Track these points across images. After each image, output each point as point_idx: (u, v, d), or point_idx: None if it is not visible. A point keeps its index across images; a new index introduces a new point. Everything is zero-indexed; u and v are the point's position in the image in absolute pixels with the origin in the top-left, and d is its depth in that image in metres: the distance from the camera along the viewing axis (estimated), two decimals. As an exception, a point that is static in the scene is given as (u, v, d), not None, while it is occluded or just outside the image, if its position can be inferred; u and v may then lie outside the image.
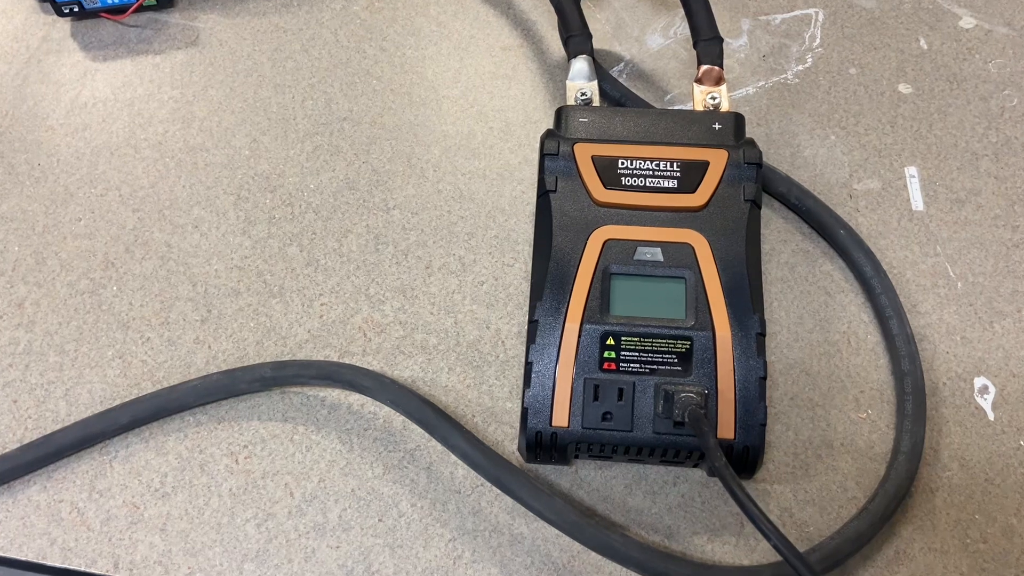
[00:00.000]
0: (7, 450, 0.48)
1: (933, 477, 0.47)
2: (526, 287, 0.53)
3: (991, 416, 0.48)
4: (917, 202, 0.55)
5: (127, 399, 0.49)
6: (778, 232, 0.54)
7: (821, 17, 0.63)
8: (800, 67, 0.61)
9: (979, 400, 0.49)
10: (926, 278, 0.52)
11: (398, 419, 0.49)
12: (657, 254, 0.46)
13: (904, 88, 0.60)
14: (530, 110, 0.60)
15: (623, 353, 0.44)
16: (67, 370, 0.51)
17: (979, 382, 0.49)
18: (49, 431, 0.48)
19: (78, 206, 0.57)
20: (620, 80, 0.60)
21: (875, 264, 0.51)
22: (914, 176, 0.56)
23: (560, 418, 0.44)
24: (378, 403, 0.49)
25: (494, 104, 0.60)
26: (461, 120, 0.60)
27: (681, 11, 0.63)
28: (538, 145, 0.58)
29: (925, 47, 0.62)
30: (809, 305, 0.52)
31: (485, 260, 0.54)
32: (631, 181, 0.48)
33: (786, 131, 0.58)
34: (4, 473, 0.46)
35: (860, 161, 0.57)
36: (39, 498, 0.47)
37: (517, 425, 0.49)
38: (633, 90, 0.59)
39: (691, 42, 0.54)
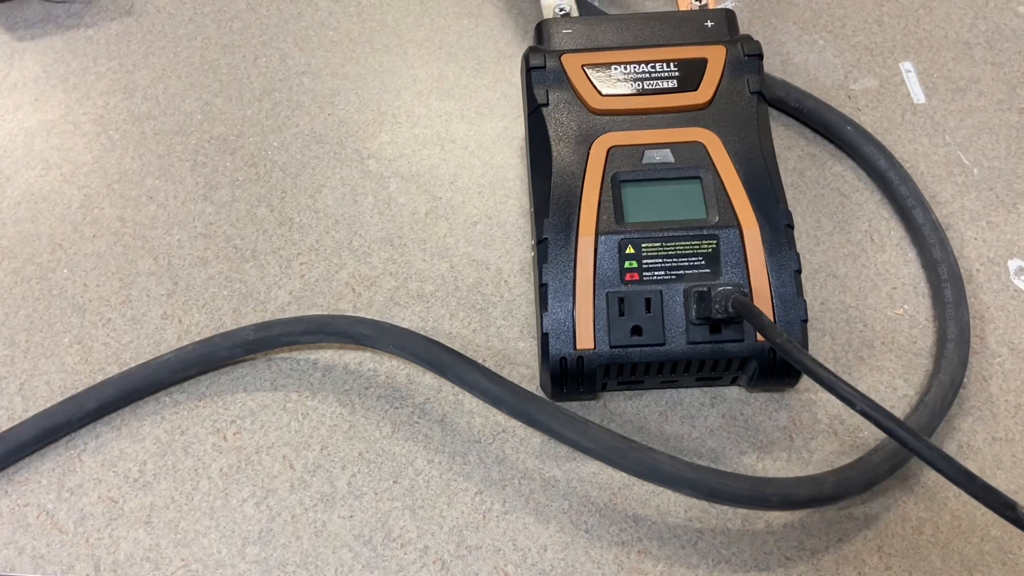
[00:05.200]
0: (-43, 456, 0.42)
1: (984, 365, 0.43)
2: (523, 223, 0.49)
3: (1031, 297, 0.45)
4: (918, 95, 0.53)
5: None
6: (781, 139, 0.51)
7: (789, -72, 0.61)
8: (776, -23, 0.59)
9: (1017, 282, 0.46)
10: (940, 168, 0.50)
11: (402, 373, 0.44)
12: (667, 155, 0.42)
13: (885, -12, 0.58)
14: (501, 45, 0.56)
15: (645, 261, 0.40)
16: (19, 363, 0.45)
17: (1013, 264, 0.46)
18: (3, 429, 0.42)
19: (15, 190, 0.51)
20: (595, 5, 0.57)
21: (888, 157, 0.48)
22: (910, 70, 0.54)
23: (585, 340, 0.39)
24: (377, 359, 0.44)
25: (463, 43, 0.56)
26: (430, 63, 0.56)
27: (647, -68, 0.61)
28: (519, 77, 0.54)
29: (899, -53, 0.60)
30: (825, 208, 0.49)
31: (475, 200, 0.50)
32: (628, 86, 0.44)
33: (772, 40, 0.56)
34: (-45, 480, 0.40)
35: (853, 62, 0.54)
36: (1, 504, 0.41)
37: (534, 365, 0.44)
38: (608, 13, 0.56)
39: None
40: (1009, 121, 0.51)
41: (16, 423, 0.42)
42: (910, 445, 0.29)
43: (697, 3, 0.49)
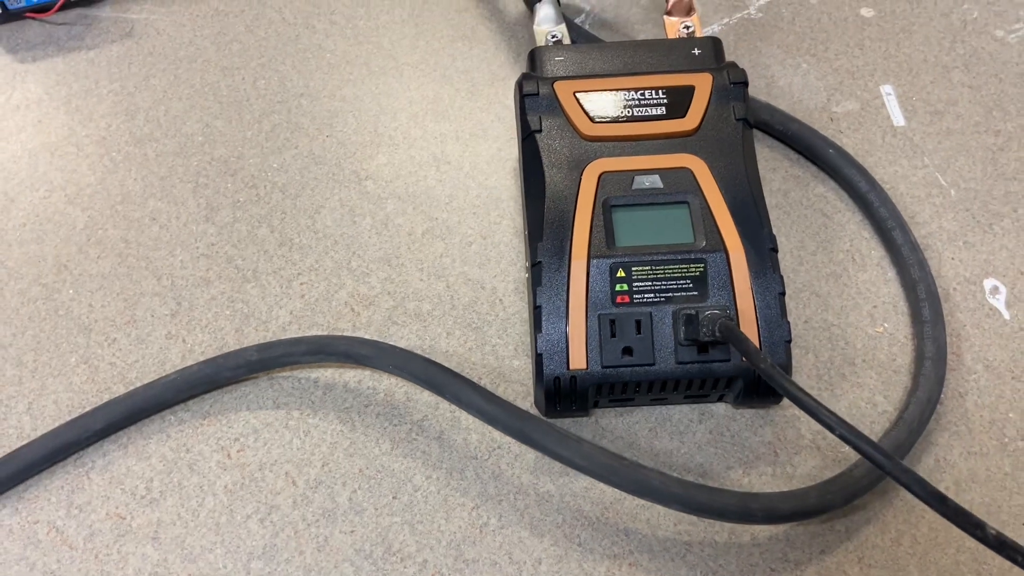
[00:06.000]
0: (-33, 475, 0.43)
1: (960, 382, 0.45)
2: (517, 243, 0.51)
3: (1006, 315, 0.47)
4: (897, 118, 0.54)
5: (97, 405, 0.44)
6: (766, 160, 0.53)
7: (774, -47, 0.63)
8: (761, 1, 0.60)
9: (992, 301, 0.48)
10: (919, 189, 0.52)
11: (400, 391, 0.45)
12: (656, 181, 0.44)
13: (866, 12, 0.60)
14: (495, 68, 0.58)
15: (635, 284, 0.41)
16: (27, 382, 0.46)
17: (989, 284, 0.48)
18: (14, 448, 0.43)
19: (20, 211, 0.52)
20: (584, 29, 0.58)
21: (869, 179, 0.50)
22: (890, 93, 0.55)
23: (578, 360, 0.41)
24: (376, 378, 0.46)
25: (457, 66, 0.58)
26: (426, 85, 0.57)
27: (636, -43, 0.62)
28: (512, 99, 0.56)
29: (880, -28, 0.62)
30: (808, 228, 0.50)
31: (470, 221, 0.51)
32: (618, 112, 0.46)
33: (758, 64, 0.57)
34: (-33, 499, 0.41)
35: (835, 85, 0.56)
36: (11, 522, 0.42)
37: (528, 383, 0.46)
38: (598, 38, 0.58)
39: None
40: (985, 143, 0.53)
41: (25, 442, 0.44)
42: (886, 469, 0.31)
43: (685, 31, 0.50)
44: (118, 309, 0.48)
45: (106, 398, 0.45)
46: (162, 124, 0.56)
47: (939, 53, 0.57)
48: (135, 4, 0.61)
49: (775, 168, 0.53)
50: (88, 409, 0.44)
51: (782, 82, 0.56)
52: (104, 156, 0.54)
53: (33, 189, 0.53)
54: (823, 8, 0.60)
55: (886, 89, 0.56)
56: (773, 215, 0.51)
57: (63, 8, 0.60)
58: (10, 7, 0.59)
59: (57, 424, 0.44)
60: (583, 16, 0.60)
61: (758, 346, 0.41)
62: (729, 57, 0.57)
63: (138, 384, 0.46)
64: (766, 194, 0.51)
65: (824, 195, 0.52)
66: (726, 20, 0.59)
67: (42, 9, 0.60)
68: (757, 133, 0.54)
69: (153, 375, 0.46)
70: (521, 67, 0.58)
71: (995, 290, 0.48)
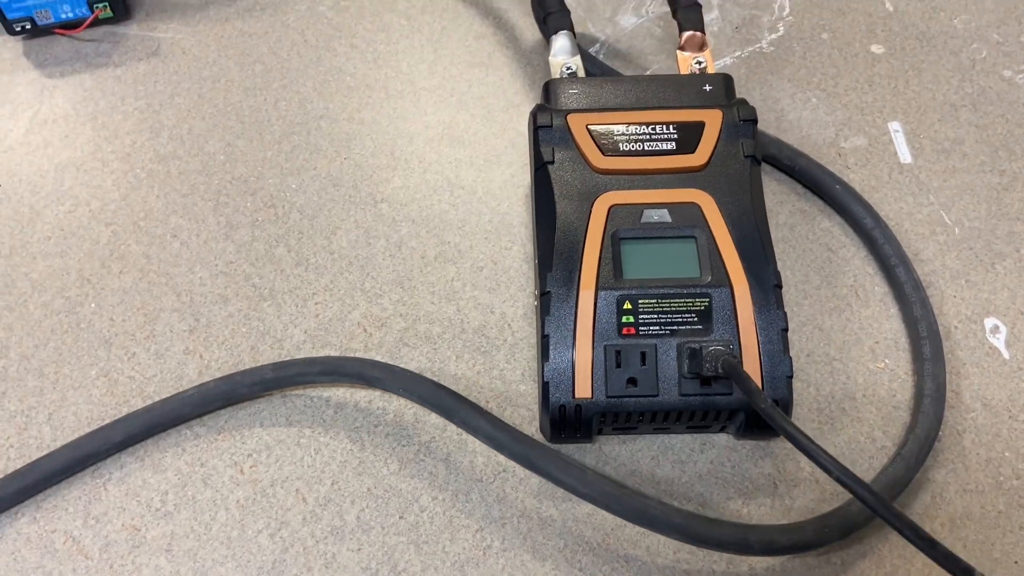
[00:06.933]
0: (-11, 482, 0.44)
1: (958, 419, 0.46)
2: (527, 269, 0.52)
3: (1006, 355, 0.48)
4: (904, 155, 0.55)
5: (116, 418, 0.46)
6: (773, 194, 0.54)
7: (788, -13, 0.64)
8: (773, 35, 0.61)
9: (992, 340, 0.48)
10: (924, 227, 0.53)
11: (409, 412, 0.47)
12: (664, 215, 0.45)
13: (876, 48, 0.61)
14: (510, 95, 0.59)
15: (641, 316, 0.43)
16: (48, 393, 0.48)
17: (989, 323, 0.49)
18: (34, 459, 0.45)
19: (46, 224, 0.54)
20: (598, 59, 0.60)
21: (874, 216, 0.51)
22: (898, 130, 0.56)
23: (583, 389, 0.42)
24: (386, 398, 0.47)
25: (473, 92, 0.59)
26: (442, 110, 0.58)
27: (651, -11, 0.64)
28: (526, 126, 0.57)
29: (891, 9, 0.63)
30: (813, 262, 0.51)
31: (482, 245, 0.53)
32: (629, 146, 0.47)
33: (768, 97, 0.58)
34: (-12, 506, 0.43)
35: (844, 120, 0.57)
36: (29, 530, 0.43)
37: (534, 408, 0.47)
38: (612, 68, 0.59)
39: (664, 20, 0.54)
40: (990, 183, 0.54)
41: (45, 452, 0.45)
42: (880, 513, 0.31)
43: (697, 66, 0.51)
44: (138, 324, 0.50)
45: (124, 411, 0.47)
46: (185, 142, 0.57)
47: (947, 92, 0.58)
48: (162, 23, 0.63)
49: (782, 201, 0.54)
50: (107, 422, 0.46)
51: (791, 116, 0.57)
52: (128, 172, 0.56)
53: (59, 203, 0.55)
54: (834, 44, 0.61)
55: (894, 126, 0.57)
56: (779, 248, 0.52)
57: (92, 25, 0.62)
58: (39, 23, 0.61)
59: (76, 435, 0.46)
60: (598, 46, 0.61)
61: (760, 380, 0.42)
62: (740, 90, 0.59)
63: (156, 398, 0.47)
64: (773, 227, 0.52)
65: (830, 230, 0.53)
66: (738, 53, 0.61)
67: (71, 26, 0.62)
68: (765, 167, 0.55)
69: (170, 390, 0.47)
70: (536, 94, 0.59)
71: (995, 329, 0.49)
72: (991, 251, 0.51)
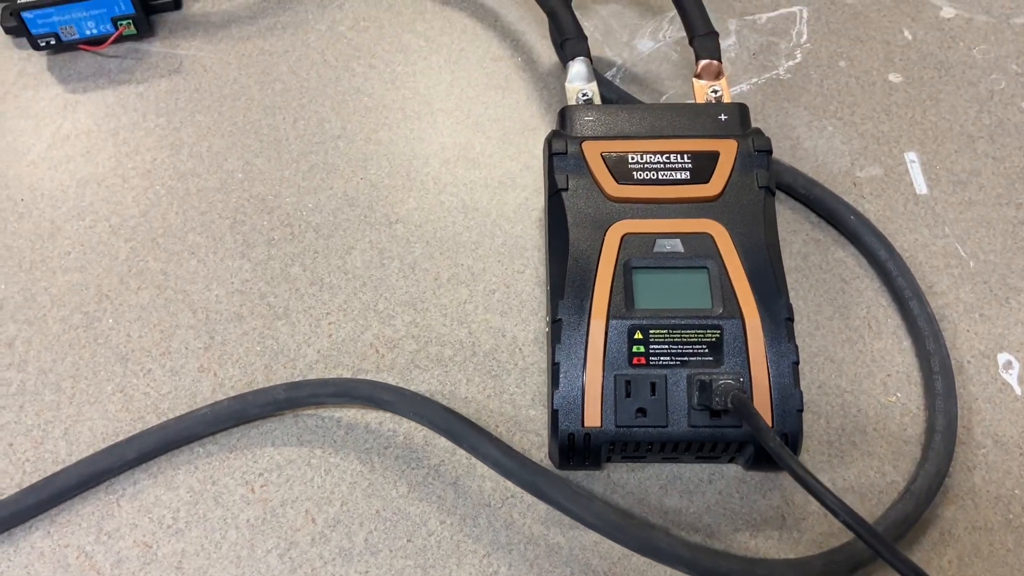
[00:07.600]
0: (5, 495, 0.45)
1: (969, 455, 0.46)
2: (539, 293, 0.52)
3: (1018, 391, 0.48)
4: (920, 186, 0.55)
5: (131, 434, 0.46)
6: (788, 223, 0.54)
7: (806, 14, 0.64)
8: (791, 63, 0.62)
9: (1005, 376, 0.48)
10: (938, 259, 0.52)
11: (419, 435, 0.47)
12: (677, 245, 0.45)
13: (894, 77, 0.60)
14: (526, 118, 0.59)
15: (652, 346, 0.43)
16: (65, 408, 0.48)
17: (1003, 358, 0.49)
18: (49, 473, 0.46)
19: (66, 239, 0.55)
20: (614, 84, 0.60)
21: (888, 247, 0.51)
22: (914, 161, 0.56)
23: (592, 418, 0.42)
24: (397, 420, 0.47)
25: (490, 114, 0.60)
26: (458, 132, 0.59)
27: (669, 14, 0.64)
28: (541, 150, 0.57)
29: (910, 37, 0.63)
30: (826, 293, 0.51)
31: (495, 268, 0.53)
32: (643, 175, 0.47)
33: (784, 124, 0.58)
34: (4, 520, 0.43)
35: (860, 149, 0.57)
36: (43, 544, 0.44)
37: (543, 433, 0.47)
38: (628, 93, 0.59)
39: (680, 45, 0.54)
40: (1006, 216, 0.54)
41: (61, 466, 0.46)
42: (886, 557, 0.31)
43: (713, 95, 0.52)
44: (154, 340, 0.51)
45: (139, 427, 0.47)
46: (205, 160, 0.58)
47: (965, 122, 0.58)
48: (184, 40, 0.64)
49: (796, 231, 0.54)
50: (121, 438, 0.46)
51: (807, 144, 0.57)
52: (148, 189, 0.57)
53: (79, 218, 0.55)
54: (851, 72, 0.61)
55: (910, 156, 0.57)
56: (792, 277, 0.52)
57: (116, 42, 0.63)
58: (63, 39, 0.62)
59: (91, 450, 0.46)
60: (614, 70, 0.62)
61: (770, 413, 0.41)
62: (756, 117, 0.59)
63: (170, 415, 0.48)
64: (786, 256, 0.52)
65: (844, 260, 0.53)
66: (755, 79, 0.61)
67: (95, 42, 0.63)
68: (780, 194, 0.55)
69: (184, 407, 0.48)
70: (552, 118, 0.59)
71: (1008, 365, 0.49)
72: (1006, 285, 0.51)
